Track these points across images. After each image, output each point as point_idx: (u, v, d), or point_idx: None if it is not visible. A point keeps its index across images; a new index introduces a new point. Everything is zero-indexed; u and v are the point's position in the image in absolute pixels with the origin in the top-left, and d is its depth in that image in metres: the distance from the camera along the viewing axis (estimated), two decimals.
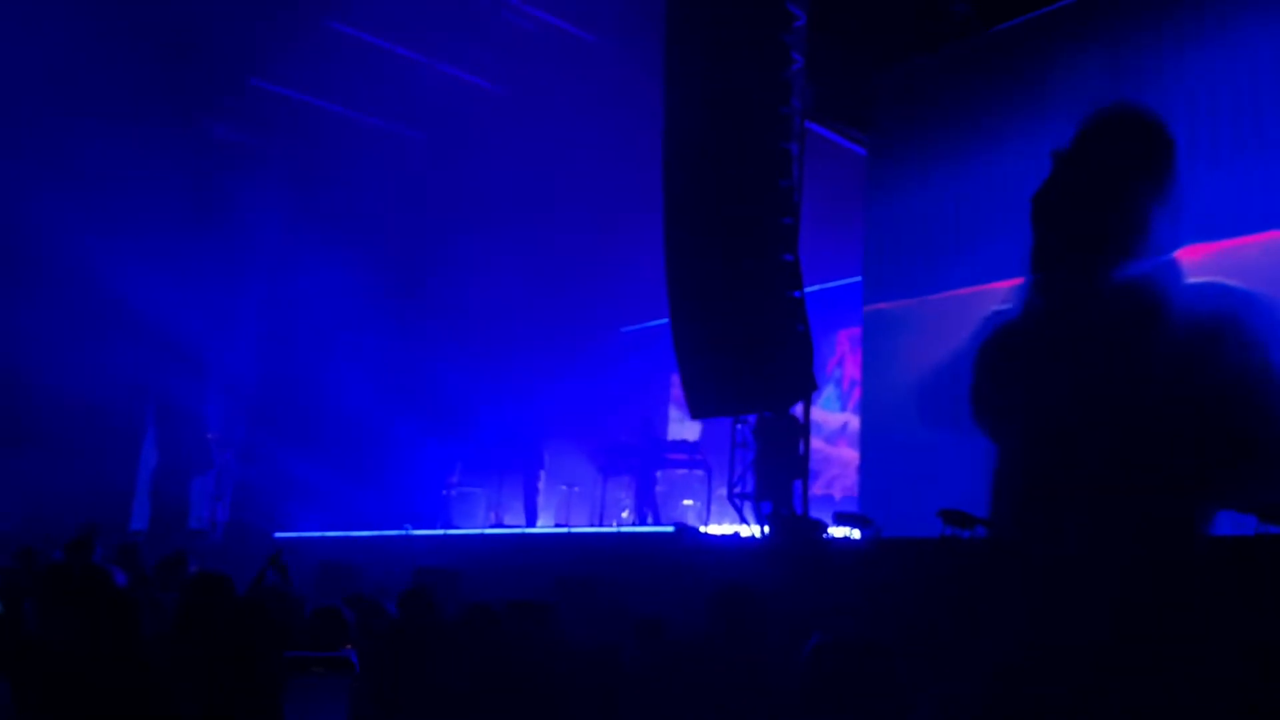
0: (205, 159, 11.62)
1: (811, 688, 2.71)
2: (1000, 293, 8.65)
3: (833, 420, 12.19)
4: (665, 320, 8.82)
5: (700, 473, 11.83)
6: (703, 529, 8.69)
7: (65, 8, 9.45)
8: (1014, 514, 7.21)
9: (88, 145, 10.67)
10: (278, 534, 12.04)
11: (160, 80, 10.52)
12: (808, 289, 8.05)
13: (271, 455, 12.79)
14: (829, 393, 11.97)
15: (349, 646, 3.87)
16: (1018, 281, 8.48)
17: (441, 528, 11.43)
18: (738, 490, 8.39)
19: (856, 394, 12.92)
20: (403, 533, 10.43)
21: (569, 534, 9.60)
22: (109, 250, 11.37)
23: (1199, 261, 7.53)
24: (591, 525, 11.28)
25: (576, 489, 12.76)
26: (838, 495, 11.95)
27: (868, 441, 9.65)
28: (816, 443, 9.18)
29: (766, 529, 7.78)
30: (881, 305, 9.61)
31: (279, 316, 12.99)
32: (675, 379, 9.16)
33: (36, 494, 13.89)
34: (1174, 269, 7.58)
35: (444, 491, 13.15)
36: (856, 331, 13.35)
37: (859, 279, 11.61)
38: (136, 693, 3.09)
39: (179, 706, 3.27)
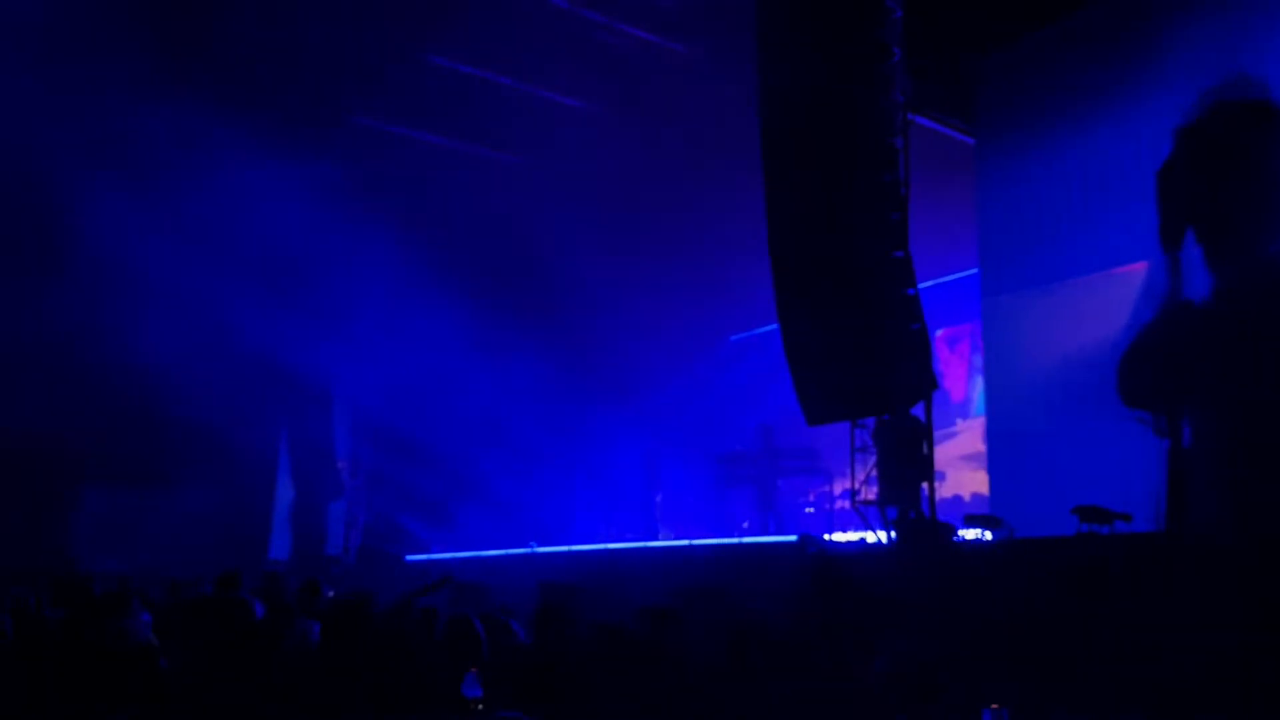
0: (315, 196, 12.03)
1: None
2: (1127, 276, 8.28)
3: None
4: (774, 326, 8.72)
5: (821, 480, 11.66)
6: (827, 536, 8.54)
7: (167, 57, 9.89)
8: (1202, 504, 6.80)
9: (207, 189, 11.17)
10: (409, 557, 12.35)
11: (265, 121, 10.95)
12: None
13: (399, 481, 13.14)
14: None
15: (475, 670, 3.90)
16: (1140, 266, 8.11)
17: (563, 544, 11.53)
18: (861, 496, 8.21)
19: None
20: (528, 550, 10.57)
21: (691, 546, 9.57)
22: (237, 290, 11.88)
23: None
24: (712, 536, 11.22)
25: (695, 500, 12.74)
26: (966, 497, 11.61)
27: (995, 439, 9.34)
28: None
29: (894, 534, 7.59)
30: (1002, 296, 9.31)
31: (396, 345, 13.35)
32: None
33: (178, 527, 14.58)
34: None
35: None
36: (949, 333, 13.04)
37: (949, 278, 11.33)
38: (276, 713, 3.19)
39: None
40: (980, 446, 11.01)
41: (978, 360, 12.66)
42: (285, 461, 15.10)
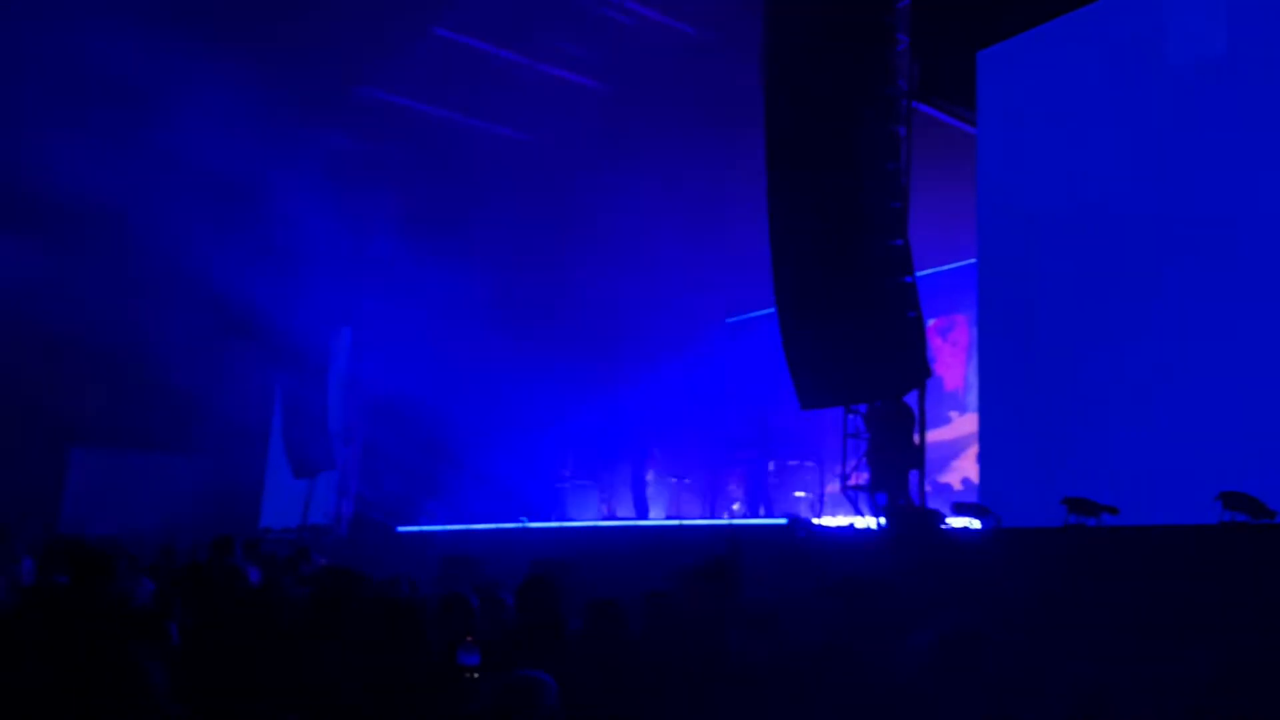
0: (321, 167, 12.01)
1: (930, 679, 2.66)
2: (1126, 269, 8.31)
3: None
4: (771, 310, 8.75)
5: (811, 463, 11.72)
6: (816, 521, 8.60)
7: (178, 25, 9.87)
8: None
9: (209, 157, 11.15)
10: (400, 528, 12.41)
11: (274, 91, 10.92)
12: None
13: (392, 452, 13.18)
14: None
15: (470, 638, 3.95)
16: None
17: (555, 520, 11.60)
18: (851, 481, 8.27)
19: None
20: (519, 525, 10.63)
21: (681, 526, 9.63)
22: (232, 257, 11.88)
23: None
24: (703, 518, 11.29)
25: (687, 481, 12.79)
26: (957, 485, 11.69)
27: (987, 430, 9.40)
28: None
29: (882, 520, 7.65)
30: (999, 286, 9.33)
31: (395, 317, 13.36)
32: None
33: (170, 493, 14.63)
34: None
35: (558, 484, 13.34)
36: (940, 323, 13.07)
37: (944, 268, 11.34)
38: (271, 679, 3.23)
39: (312, 695, 3.40)
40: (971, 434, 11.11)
41: (974, 349, 12.75)
42: (277, 429, 15.14)
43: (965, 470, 12.02)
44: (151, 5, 9.62)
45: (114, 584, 3.37)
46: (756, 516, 11.01)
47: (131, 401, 14.14)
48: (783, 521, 8.21)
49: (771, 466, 11.84)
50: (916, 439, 7.97)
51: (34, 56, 10.30)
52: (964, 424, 12.54)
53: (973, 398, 12.73)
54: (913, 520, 7.35)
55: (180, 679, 2.71)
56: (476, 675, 3.67)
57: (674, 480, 12.74)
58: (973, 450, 11.36)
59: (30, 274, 11.39)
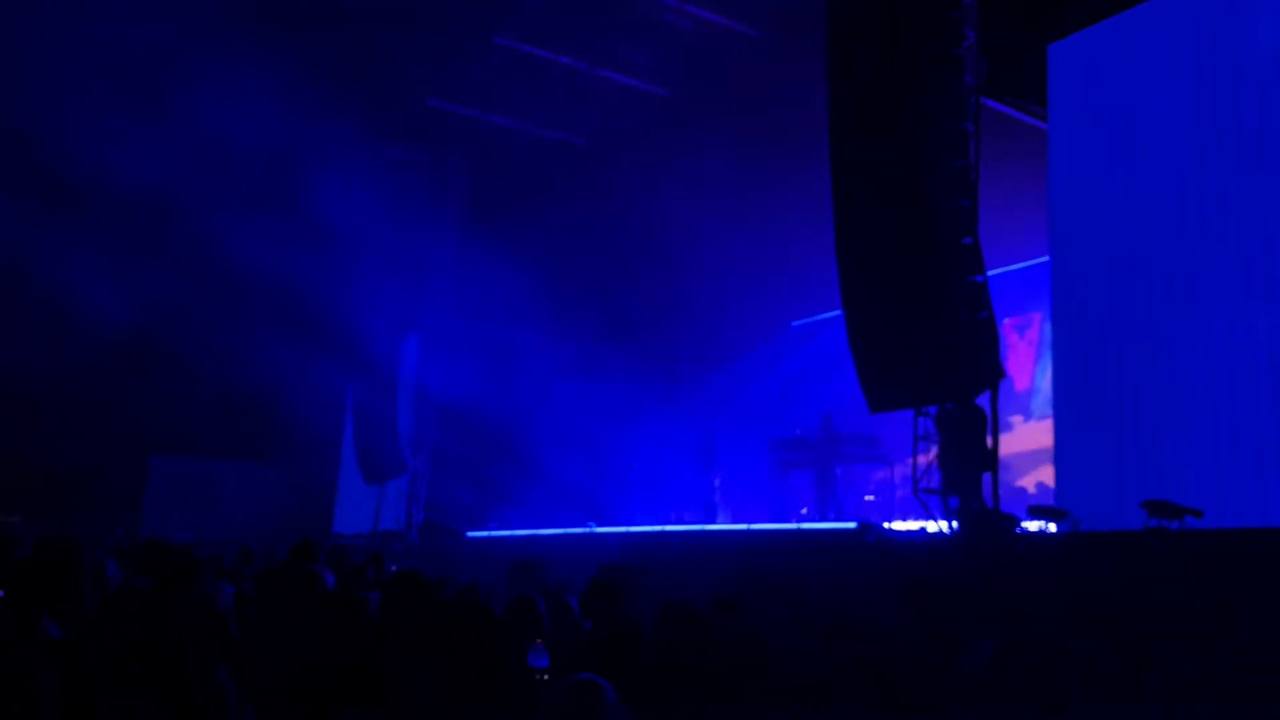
0: (388, 176, 12.19)
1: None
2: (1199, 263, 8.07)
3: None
4: (836, 312, 8.65)
5: (882, 468, 11.57)
6: (887, 525, 8.48)
7: (246, 43, 10.11)
8: None
9: (283, 170, 11.39)
10: (469, 533, 12.53)
11: (343, 105, 11.13)
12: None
13: (461, 458, 13.31)
14: None
15: (540, 641, 3.96)
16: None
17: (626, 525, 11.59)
18: (923, 485, 8.13)
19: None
20: (587, 530, 10.65)
21: (749, 531, 9.57)
22: (307, 268, 12.12)
23: None
24: (770, 522, 11.20)
25: (754, 486, 12.72)
26: (1032, 489, 11.44)
27: (1063, 431, 9.18)
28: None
29: (955, 524, 7.51)
30: (1073, 284, 9.12)
31: (461, 323, 13.50)
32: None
33: (246, 500, 14.97)
34: None
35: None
36: (1016, 321, 12.80)
37: (1018, 265, 11.10)
38: (347, 682, 3.27)
39: (385, 698, 3.44)
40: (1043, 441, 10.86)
41: (1045, 350, 12.50)
42: (349, 437, 15.40)
43: (1041, 476, 11.76)
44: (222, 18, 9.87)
45: (197, 587, 3.45)
46: (825, 520, 10.89)
47: (209, 411, 14.50)
48: (852, 526, 8.11)
49: (839, 470, 11.71)
50: (990, 441, 7.81)
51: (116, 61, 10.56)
52: (1027, 432, 12.27)
53: (1039, 402, 12.47)
54: (987, 524, 7.20)
55: (255, 681, 2.76)
56: (546, 677, 3.68)
57: (741, 485, 12.67)
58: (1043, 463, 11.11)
59: (112, 286, 11.75)
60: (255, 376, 13.52)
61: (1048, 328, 12.24)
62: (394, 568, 7.93)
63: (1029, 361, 12.89)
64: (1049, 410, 10.46)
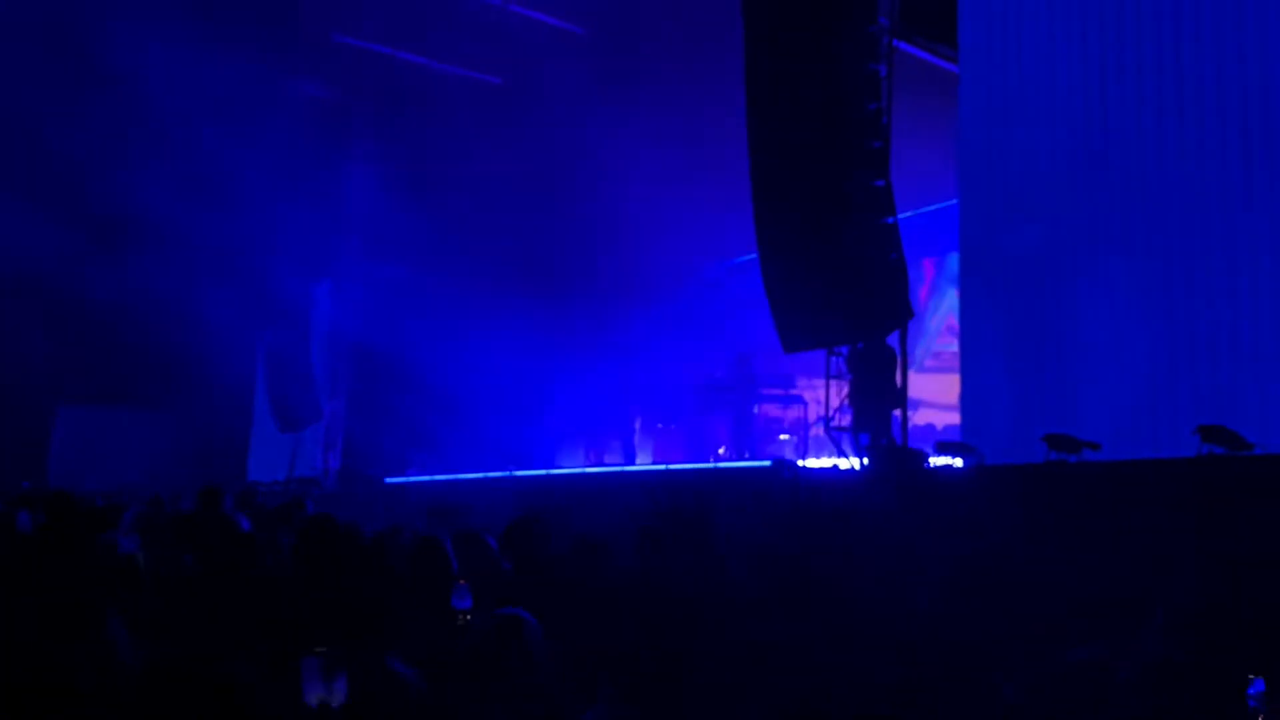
0: (294, 116, 11.85)
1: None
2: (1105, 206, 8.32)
3: None
4: (753, 255, 8.73)
5: (796, 406, 11.78)
6: (800, 462, 8.67)
7: None
8: None
9: (183, 107, 10.99)
10: (387, 479, 12.44)
11: (246, 42, 10.75)
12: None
13: (377, 403, 13.17)
14: None
15: (461, 581, 3.99)
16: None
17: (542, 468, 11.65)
18: (834, 423, 8.33)
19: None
20: (507, 474, 10.67)
21: (668, 470, 9.69)
22: (208, 209, 11.75)
23: None
24: (689, 461, 11.36)
25: (673, 426, 12.85)
26: (939, 426, 11.78)
27: (968, 369, 9.46)
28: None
29: (865, 460, 7.72)
30: (979, 225, 9.33)
31: (375, 268, 13.28)
32: None
33: (156, 448, 14.63)
34: None
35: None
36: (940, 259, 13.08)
37: (942, 205, 11.30)
38: (257, 623, 3.26)
39: (299, 639, 3.44)
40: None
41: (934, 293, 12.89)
42: (261, 384, 15.10)
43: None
44: None
45: (101, 536, 3.38)
46: (742, 459, 11.09)
47: (117, 359, 14.07)
48: (767, 464, 8.28)
49: (756, 410, 11.90)
50: (899, 380, 8.02)
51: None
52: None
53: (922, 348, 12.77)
54: (895, 459, 7.42)
55: (166, 623, 2.74)
56: (469, 618, 3.71)
57: (660, 426, 12.79)
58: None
59: (11, 235, 11.26)
60: (164, 325, 13.13)
61: (940, 274, 12.62)
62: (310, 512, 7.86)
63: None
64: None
